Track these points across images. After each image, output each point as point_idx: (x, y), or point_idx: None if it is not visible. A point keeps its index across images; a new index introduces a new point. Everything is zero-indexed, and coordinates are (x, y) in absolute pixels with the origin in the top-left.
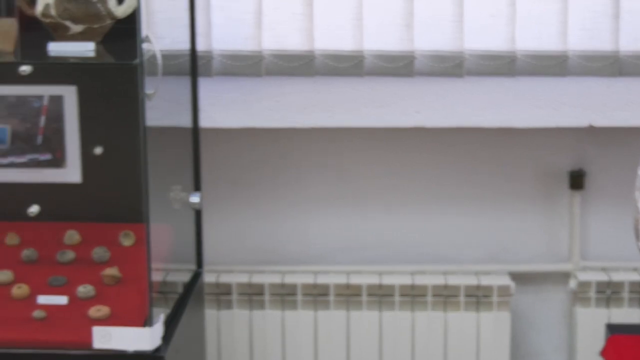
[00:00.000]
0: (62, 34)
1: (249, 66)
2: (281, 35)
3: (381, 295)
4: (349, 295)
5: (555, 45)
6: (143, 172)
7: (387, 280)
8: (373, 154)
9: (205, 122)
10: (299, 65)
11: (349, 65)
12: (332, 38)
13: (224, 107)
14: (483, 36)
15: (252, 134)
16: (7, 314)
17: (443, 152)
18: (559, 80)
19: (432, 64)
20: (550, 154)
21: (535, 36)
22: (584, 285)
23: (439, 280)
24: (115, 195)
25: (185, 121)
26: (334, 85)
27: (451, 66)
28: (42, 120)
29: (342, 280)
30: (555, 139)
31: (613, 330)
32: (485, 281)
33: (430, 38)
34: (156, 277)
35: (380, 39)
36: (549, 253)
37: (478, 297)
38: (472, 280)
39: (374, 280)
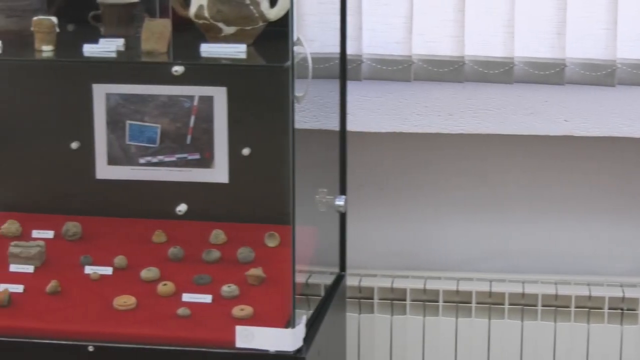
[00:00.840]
0: (214, 36)
1: (398, 71)
2: (431, 40)
3: (524, 305)
4: (491, 304)
5: None
6: (291, 174)
7: (530, 289)
8: (520, 161)
9: (352, 125)
10: (449, 71)
11: (498, 72)
12: (483, 44)
13: (372, 111)
14: (637, 45)
15: (399, 138)
16: (152, 310)
17: (591, 162)
18: None
19: (583, 72)
20: None
21: None
22: None
23: (583, 291)
24: (261, 197)
25: (333, 124)
26: (483, 91)
27: (603, 75)
28: (192, 120)
29: (484, 288)
30: None
31: None
32: (630, 294)
33: (582, 46)
34: (300, 278)
35: (531, 46)
36: None
37: (622, 310)
38: (617, 293)
39: (516, 288)
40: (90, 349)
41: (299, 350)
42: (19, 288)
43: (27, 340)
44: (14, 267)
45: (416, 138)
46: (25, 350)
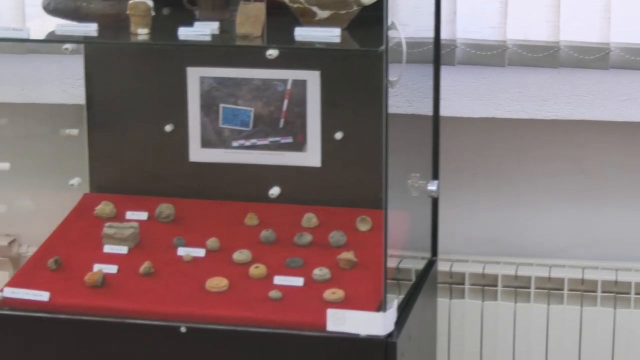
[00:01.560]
0: (309, 20)
1: (493, 56)
2: (526, 25)
3: (616, 292)
4: (584, 291)
5: None
6: (384, 158)
7: (622, 277)
8: (614, 147)
9: (445, 110)
10: (543, 57)
11: (594, 58)
12: (578, 30)
13: (465, 96)
14: None
15: (492, 123)
16: (244, 293)
17: None
18: None
19: None
20: None
21: None
22: None
23: None
24: (353, 181)
25: (426, 109)
26: (578, 77)
27: None
28: (285, 103)
29: (577, 275)
30: None
31: None
32: None
33: None
34: (391, 263)
35: (628, 31)
36: None
37: None
38: None
39: (609, 276)
40: (183, 329)
41: (390, 335)
42: (112, 269)
43: (120, 320)
44: (108, 248)
45: (510, 124)
46: (118, 330)
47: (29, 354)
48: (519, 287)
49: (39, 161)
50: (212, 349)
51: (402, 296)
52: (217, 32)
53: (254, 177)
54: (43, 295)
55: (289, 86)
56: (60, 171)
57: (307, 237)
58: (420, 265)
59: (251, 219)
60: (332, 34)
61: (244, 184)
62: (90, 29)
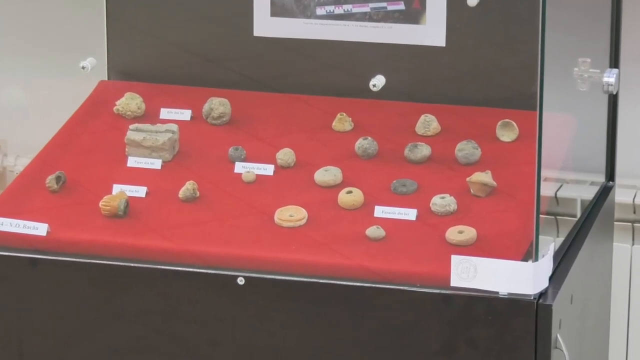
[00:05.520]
0: None
1: None
2: None
3: None
4: None
5: None
6: (540, 36)
7: None
8: None
9: None
10: None
11: None
12: None
13: None
14: None
15: None
16: (329, 229)
17: None
18: None
19: None
20: None
21: None
22: None
23: None
24: (492, 68)
25: None
26: None
27: None
28: None
29: None
30: None
31: None
32: None
33: None
34: (546, 190)
35: None
36: None
37: None
38: None
39: None
40: (240, 281)
41: (543, 294)
42: (140, 191)
43: (149, 265)
44: (133, 161)
45: None
46: (145, 279)
47: (19, 309)
48: None
49: (37, 36)
50: (282, 309)
51: (561, 239)
52: None
53: (348, 61)
54: (39, 228)
55: None
56: (66, 50)
57: (424, 149)
58: (589, 193)
59: (342, 122)
60: None
61: (333, 70)
62: None
